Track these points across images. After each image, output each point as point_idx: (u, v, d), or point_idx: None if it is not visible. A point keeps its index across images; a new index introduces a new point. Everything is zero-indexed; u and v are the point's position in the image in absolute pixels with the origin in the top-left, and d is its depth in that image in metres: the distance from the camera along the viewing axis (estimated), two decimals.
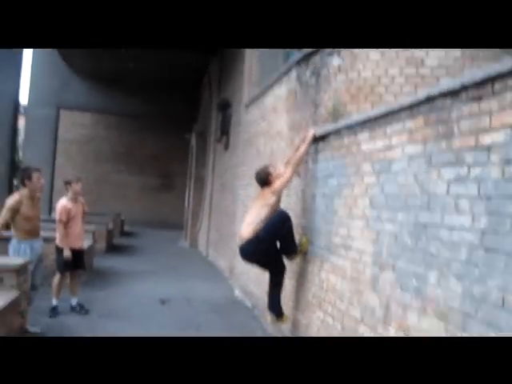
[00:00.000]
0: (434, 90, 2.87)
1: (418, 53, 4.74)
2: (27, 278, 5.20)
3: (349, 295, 3.87)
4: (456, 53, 4.72)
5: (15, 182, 12.64)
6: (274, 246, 4.82)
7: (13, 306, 4.59)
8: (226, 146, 11.69)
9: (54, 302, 6.25)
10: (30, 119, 17.71)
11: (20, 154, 18.84)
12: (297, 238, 4.90)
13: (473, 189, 2.48)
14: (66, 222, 6.29)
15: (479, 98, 2.49)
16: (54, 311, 6.20)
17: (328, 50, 4.95)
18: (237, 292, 8.17)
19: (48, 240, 6.46)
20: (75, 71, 17.52)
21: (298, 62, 5.52)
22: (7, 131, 11.64)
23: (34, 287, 5.52)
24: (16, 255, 5.35)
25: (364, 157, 3.76)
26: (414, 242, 2.98)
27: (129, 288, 8.28)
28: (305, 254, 4.91)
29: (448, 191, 2.69)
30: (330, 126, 4.53)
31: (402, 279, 3.10)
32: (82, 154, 22.30)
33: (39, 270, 5.66)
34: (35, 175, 5.49)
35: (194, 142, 16.74)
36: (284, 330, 5.34)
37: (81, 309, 6.43)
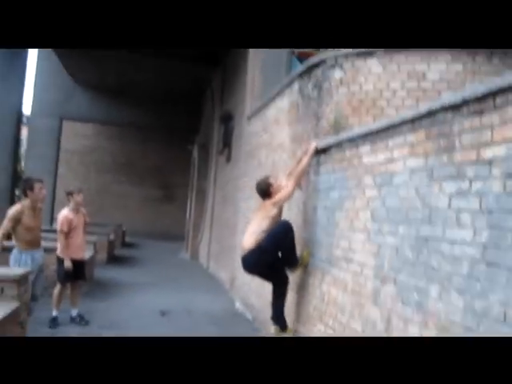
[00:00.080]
0: (436, 104, 2.88)
1: (420, 66, 4.77)
2: (28, 288, 5.18)
3: (350, 308, 3.85)
4: (457, 67, 4.74)
5: (17, 193, 12.68)
6: (277, 256, 4.79)
7: (13, 316, 4.57)
8: (228, 158, 11.67)
9: (54, 312, 6.23)
10: (33, 129, 17.76)
11: (22, 164, 18.88)
12: (298, 249, 4.89)
13: (474, 203, 2.48)
14: (68, 233, 6.29)
15: (481, 112, 2.50)
16: (53, 322, 6.17)
17: (330, 63, 4.98)
18: (237, 304, 8.13)
19: (49, 250, 6.46)
20: (78, 82, 17.61)
21: (300, 75, 5.55)
22: (10, 141, 11.68)
23: (34, 297, 5.49)
24: (17, 265, 5.34)
25: (365, 170, 3.77)
26: (416, 255, 2.98)
27: (129, 299, 8.24)
28: (305, 266, 4.89)
29: (449, 205, 2.69)
30: (331, 139, 4.54)
31: (403, 293, 3.09)
32: (84, 164, 22.44)
33: (40, 280, 5.65)
34: (37, 186, 5.52)
35: (195, 153, 16.79)
36: None
37: (81, 320, 6.39)
